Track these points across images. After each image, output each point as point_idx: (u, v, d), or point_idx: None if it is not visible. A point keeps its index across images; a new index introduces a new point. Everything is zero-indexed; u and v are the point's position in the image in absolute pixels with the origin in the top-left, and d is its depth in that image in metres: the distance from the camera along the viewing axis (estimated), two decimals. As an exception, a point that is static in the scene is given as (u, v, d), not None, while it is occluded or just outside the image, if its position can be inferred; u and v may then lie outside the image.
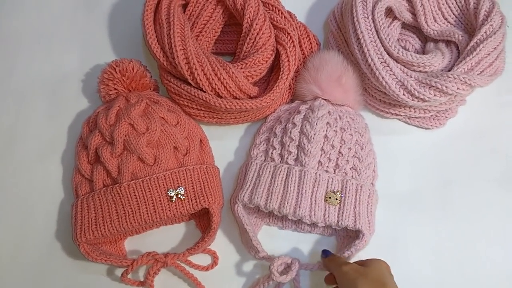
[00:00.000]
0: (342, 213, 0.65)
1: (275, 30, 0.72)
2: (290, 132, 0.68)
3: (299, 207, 0.64)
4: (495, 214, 0.72)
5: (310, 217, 0.64)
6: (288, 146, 0.68)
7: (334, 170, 0.68)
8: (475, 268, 0.70)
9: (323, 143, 0.68)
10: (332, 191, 0.65)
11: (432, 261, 0.70)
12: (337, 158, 0.68)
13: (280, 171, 0.66)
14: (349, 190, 0.66)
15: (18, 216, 0.72)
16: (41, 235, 0.71)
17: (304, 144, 0.67)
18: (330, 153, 0.67)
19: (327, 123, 0.68)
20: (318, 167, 0.67)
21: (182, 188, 0.65)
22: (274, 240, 0.71)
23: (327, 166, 0.67)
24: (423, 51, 0.76)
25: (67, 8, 0.83)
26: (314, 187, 0.65)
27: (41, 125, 0.76)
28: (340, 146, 0.68)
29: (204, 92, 0.68)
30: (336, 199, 0.65)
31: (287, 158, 0.68)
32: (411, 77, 0.68)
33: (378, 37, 0.70)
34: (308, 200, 0.65)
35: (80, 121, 0.74)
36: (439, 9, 0.75)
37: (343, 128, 0.69)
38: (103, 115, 0.68)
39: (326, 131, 0.68)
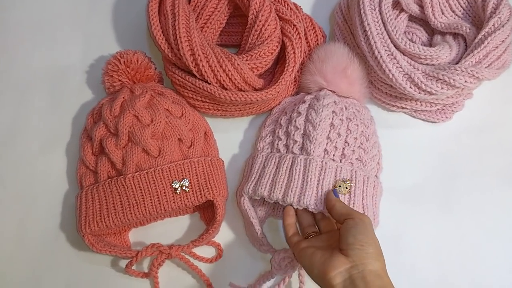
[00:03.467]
0: (353, 203, 0.63)
1: (281, 22, 0.71)
2: (295, 121, 0.67)
3: (304, 195, 0.62)
4: (499, 209, 0.72)
5: (315, 205, 0.62)
6: (293, 135, 0.67)
7: (340, 160, 0.66)
8: (478, 262, 0.70)
9: (329, 131, 0.66)
10: (342, 180, 0.64)
11: (435, 254, 0.70)
12: (343, 148, 0.66)
13: (285, 161, 0.65)
14: (358, 180, 0.64)
15: (22, 208, 0.72)
16: (46, 227, 0.71)
17: (309, 131, 0.66)
18: (336, 141, 0.66)
19: (333, 111, 0.67)
20: (324, 156, 0.66)
21: (187, 180, 0.65)
22: (278, 233, 0.71)
23: (333, 155, 0.66)
24: (430, 44, 0.76)
25: (71, -2, 0.83)
26: (320, 175, 0.63)
27: (45, 117, 0.76)
28: (346, 135, 0.67)
29: (209, 84, 0.67)
30: (346, 188, 0.63)
31: (292, 148, 0.67)
32: (418, 69, 0.67)
33: (385, 29, 0.69)
34: (314, 188, 0.63)
35: (84, 113, 0.74)
36: (446, 2, 0.75)
37: (349, 118, 0.68)
38: (107, 107, 0.67)
39: (332, 119, 0.66)
